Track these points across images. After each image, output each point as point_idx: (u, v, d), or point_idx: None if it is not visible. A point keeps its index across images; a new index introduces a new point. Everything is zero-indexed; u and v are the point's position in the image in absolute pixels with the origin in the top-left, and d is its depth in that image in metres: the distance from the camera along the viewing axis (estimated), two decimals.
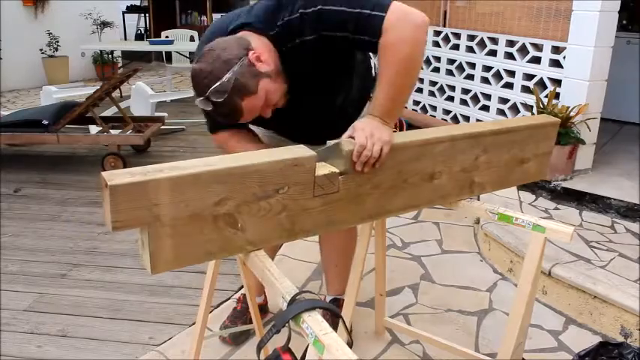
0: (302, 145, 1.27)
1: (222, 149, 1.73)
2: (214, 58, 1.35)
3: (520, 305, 1.56)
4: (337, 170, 1.29)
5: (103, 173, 1.02)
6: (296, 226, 1.26)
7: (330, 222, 1.33)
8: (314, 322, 1.00)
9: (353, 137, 1.34)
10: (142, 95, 5.44)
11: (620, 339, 2.21)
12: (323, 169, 1.28)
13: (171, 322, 2.37)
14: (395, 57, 1.37)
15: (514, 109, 3.86)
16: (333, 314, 1.09)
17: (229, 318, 2.28)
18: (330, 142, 1.35)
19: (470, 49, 4.23)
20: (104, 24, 8.74)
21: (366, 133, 1.32)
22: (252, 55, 1.37)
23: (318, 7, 1.40)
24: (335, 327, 1.05)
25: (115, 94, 5.67)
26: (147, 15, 10.43)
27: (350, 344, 1.01)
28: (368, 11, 1.38)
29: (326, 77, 1.61)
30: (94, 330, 2.32)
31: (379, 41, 1.38)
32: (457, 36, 4.37)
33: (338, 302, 2.24)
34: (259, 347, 1.07)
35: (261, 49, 1.40)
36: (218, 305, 2.47)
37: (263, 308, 2.34)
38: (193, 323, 2.13)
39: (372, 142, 1.30)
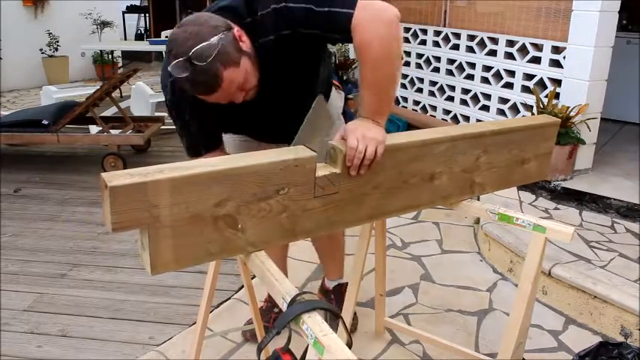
0: (302, 146, 1.26)
1: None
2: (201, 22, 1.30)
3: (520, 305, 1.56)
4: (338, 171, 1.29)
5: (103, 174, 1.01)
6: (297, 226, 1.26)
7: (331, 222, 1.33)
8: (314, 323, 1.00)
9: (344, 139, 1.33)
10: (142, 95, 5.45)
11: (620, 339, 2.21)
12: (323, 169, 1.28)
13: (171, 322, 2.37)
14: (370, 56, 1.36)
15: (514, 109, 3.86)
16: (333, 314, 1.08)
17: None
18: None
19: (470, 49, 4.22)
20: (104, 24, 8.73)
21: (357, 135, 1.30)
22: (236, 31, 1.34)
23: (287, 4, 1.39)
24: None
25: (115, 94, 5.67)
26: (147, 15, 10.43)
27: (350, 345, 1.00)
28: (336, 9, 1.36)
29: (296, 77, 1.59)
30: (94, 330, 2.32)
31: (353, 38, 1.37)
32: (457, 36, 4.36)
33: (343, 286, 2.26)
34: (260, 349, 1.07)
35: (240, 31, 1.38)
36: (218, 305, 2.47)
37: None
38: (193, 323, 2.13)
39: (364, 144, 1.28)
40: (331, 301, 2.31)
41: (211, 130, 1.64)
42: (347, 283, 2.33)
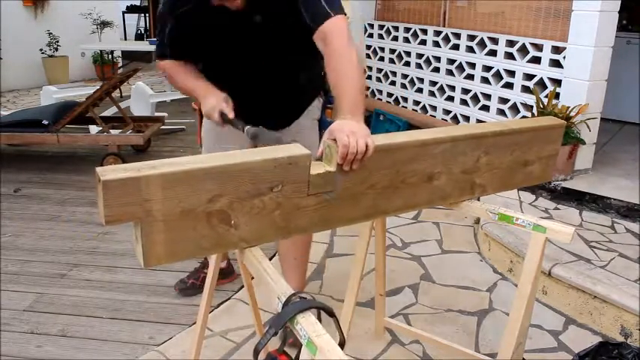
0: (297, 144, 1.26)
1: (166, 73, 1.91)
2: None
3: (520, 305, 1.56)
4: (332, 169, 1.28)
5: (97, 168, 1.02)
6: (290, 224, 1.26)
7: (326, 220, 1.32)
8: (307, 323, 0.99)
9: (334, 140, 1.31)
10: (142, 95, 5.45)
11: (620, 339, 2.21)
12: (318, 167, 1.27)
13: (171, 322, 2.37)
14: (350, 62, 1.55)
15: (514, 109, 3.86)
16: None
17: (188, 276, 2.59)
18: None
19: (470, 49, 4.22)
20: (104, 24, 8.74)
21: (346, 132, 1.30)
22: None
23: None
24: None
25: (115, 94, 5.67)
26: (147, 15, 10.44)
27: (342, 344, 1.00)
28: None
29: (284, 42, 1.76)
30: (94, 330, 2.32)
31: (329, 42, 1.59)
32: (457, 36, 4.36)
33: None
34: (257, 350, 1.06)
35: None
36: (218, 305, 2.47)
37: (223, 272, 2.53)
38: (193, 323, 2.13)
39: (355, 139, 1.28)
40: None
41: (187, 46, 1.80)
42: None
